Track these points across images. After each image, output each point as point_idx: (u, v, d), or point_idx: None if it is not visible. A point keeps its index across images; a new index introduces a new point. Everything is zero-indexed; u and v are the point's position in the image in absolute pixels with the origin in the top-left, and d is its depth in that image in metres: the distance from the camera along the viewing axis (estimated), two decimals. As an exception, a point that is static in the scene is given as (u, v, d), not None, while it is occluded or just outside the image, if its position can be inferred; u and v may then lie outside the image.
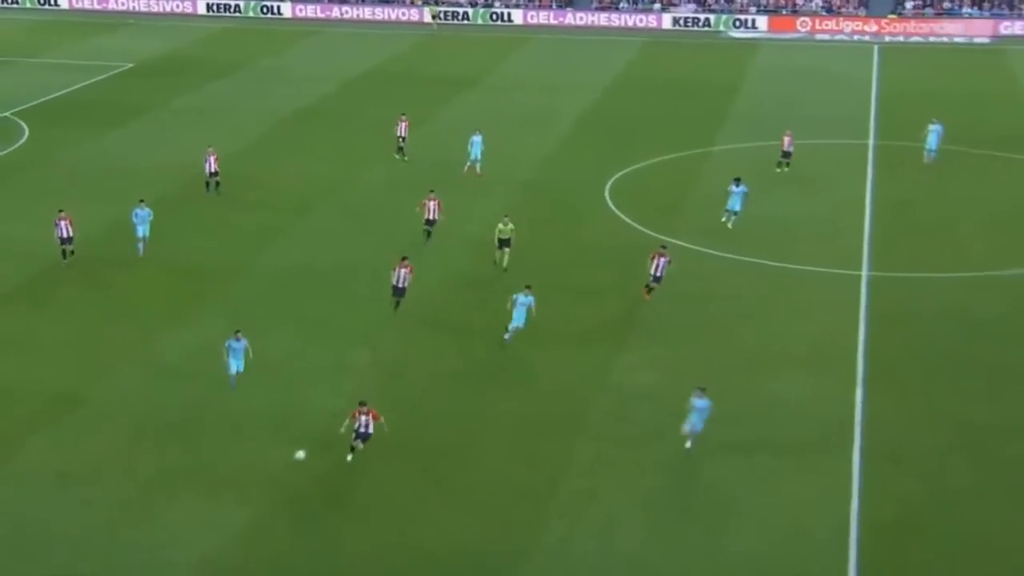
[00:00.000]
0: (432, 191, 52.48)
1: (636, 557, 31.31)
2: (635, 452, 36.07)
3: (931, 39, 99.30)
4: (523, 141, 67.74)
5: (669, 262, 46.07)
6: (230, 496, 33.94)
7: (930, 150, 63.72)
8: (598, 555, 31.51)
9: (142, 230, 50.27)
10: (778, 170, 61.65)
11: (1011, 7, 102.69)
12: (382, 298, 45.01)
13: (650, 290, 46.12)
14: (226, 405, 38.62)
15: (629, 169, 63.59)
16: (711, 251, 51.61)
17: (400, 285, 44.60)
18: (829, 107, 77.15)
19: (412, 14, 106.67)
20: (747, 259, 50.68)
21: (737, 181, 53.84)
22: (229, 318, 44.78)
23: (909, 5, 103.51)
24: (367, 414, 34.68)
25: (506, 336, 42.47)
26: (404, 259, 44.97)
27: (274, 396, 39.10)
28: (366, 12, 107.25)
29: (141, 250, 50.24)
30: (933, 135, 63.94)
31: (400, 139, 65.01)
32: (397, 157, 64.79)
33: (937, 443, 37.16)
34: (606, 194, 59.62)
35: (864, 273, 49.83)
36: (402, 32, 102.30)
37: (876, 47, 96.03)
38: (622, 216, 56.56)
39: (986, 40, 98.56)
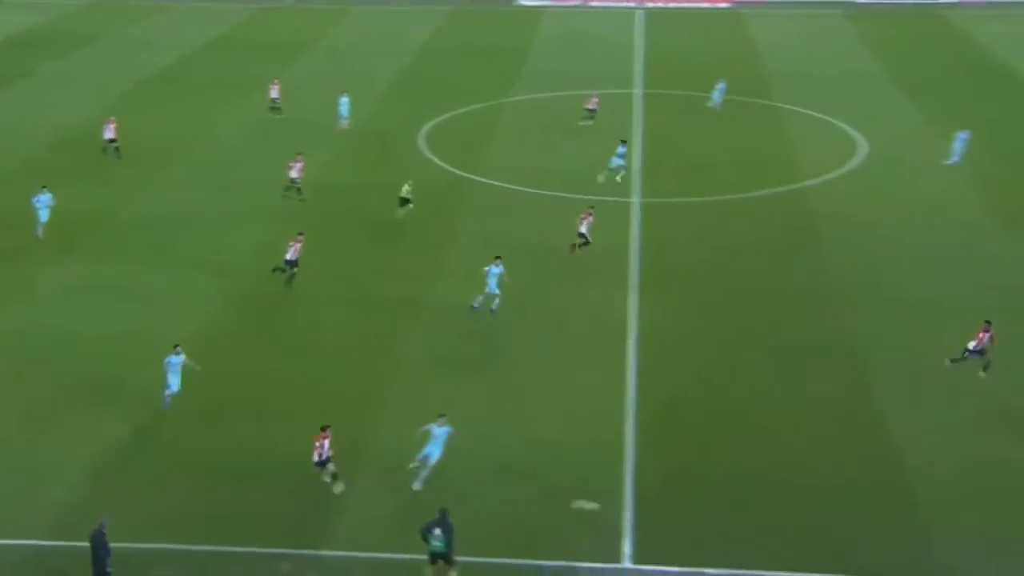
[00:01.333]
0: (300, 153, 51.23)
1: (457, 445, 31.60)
2: (451, 355, 36.36)
3: (684, 5, 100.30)
4: (351, 96, 66.98)
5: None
6: (112, 412, 33.35)
7: (715, 100, 65.28)
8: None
9: (44, 215, 45.89)
10: (583, 123, 61.78)
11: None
12: (243, 241, 44.02)
13: (575, 247, 44.10)
14: (102, 331, 37.86)
15: (439, 119, 63.35)
16: (510, 186, 51.85)
17: (292, 258, 41.55)
18: (603, 63, 77.52)
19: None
20: (539, 191, 51.05)
21: (623, 143, 53.51)
22: (105, 258, 43.95)
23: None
24: (328, 438, 29.52)
25: (475, 305, 39.52)
26: (300, 235, 41.98)
27: (144, 319, 38.44)
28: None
29: (40, 232, 45.78)
30: (718, 91, 65.35)
31: (273, 100, 63.68)
32: (278, 116, 63.17)
33: (699, 336, 38.20)
34: (420, 141, 59.38)
35: (635, 200, 50.59)
36: (246, 6, 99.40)
37: (641, 12, 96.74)
38: (434, 159, 56.44)
39: (727, 6, 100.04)
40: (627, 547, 27.81)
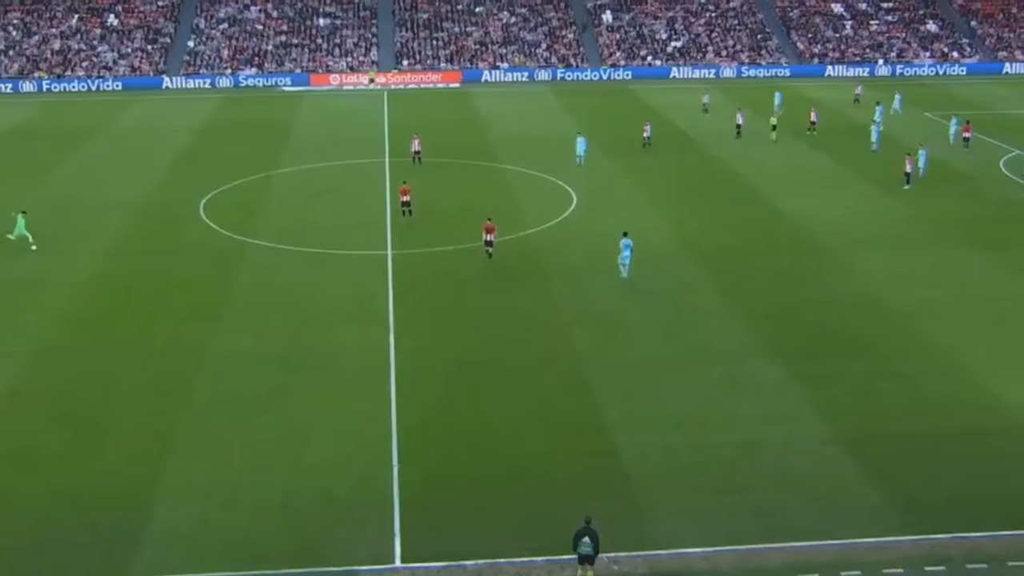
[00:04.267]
0: None
1: (240, 476, 30.64)
2: (239, 399, 35.22)
3: (421, 86, 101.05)
4: (138, 173, 64.53)
5: None
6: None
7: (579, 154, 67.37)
8: (214, 477, 30.63)
9: None
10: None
11: (476, 61, 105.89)
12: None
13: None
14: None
15: (217, 191, 61.58)
16: (283, 246, 50.76)
17: None
18: (357, 135, 77.16)
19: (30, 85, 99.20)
20: (310, 250, 50.23)
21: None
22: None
23: (405, 63, 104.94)
24: None
25: None
26: None
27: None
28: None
29: None
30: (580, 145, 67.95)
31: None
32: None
33: (446, 366, 37.97)
34: (200, 211, 57.56)
35: (389, 252, 50.27)
36: (30, 99, 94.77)
37: (386, 92, 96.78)
38: (213, 225, 54.76)
39: (457, 85, 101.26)
40: (397, 547, 27.40)
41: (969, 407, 34.69)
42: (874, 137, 70.97)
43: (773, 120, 75.64)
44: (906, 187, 60.91)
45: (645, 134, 72.22)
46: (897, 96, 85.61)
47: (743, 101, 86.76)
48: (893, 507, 28.91)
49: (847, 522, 28.33)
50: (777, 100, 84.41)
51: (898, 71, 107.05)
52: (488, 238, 47.74)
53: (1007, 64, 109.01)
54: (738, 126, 75.82)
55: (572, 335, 40.35)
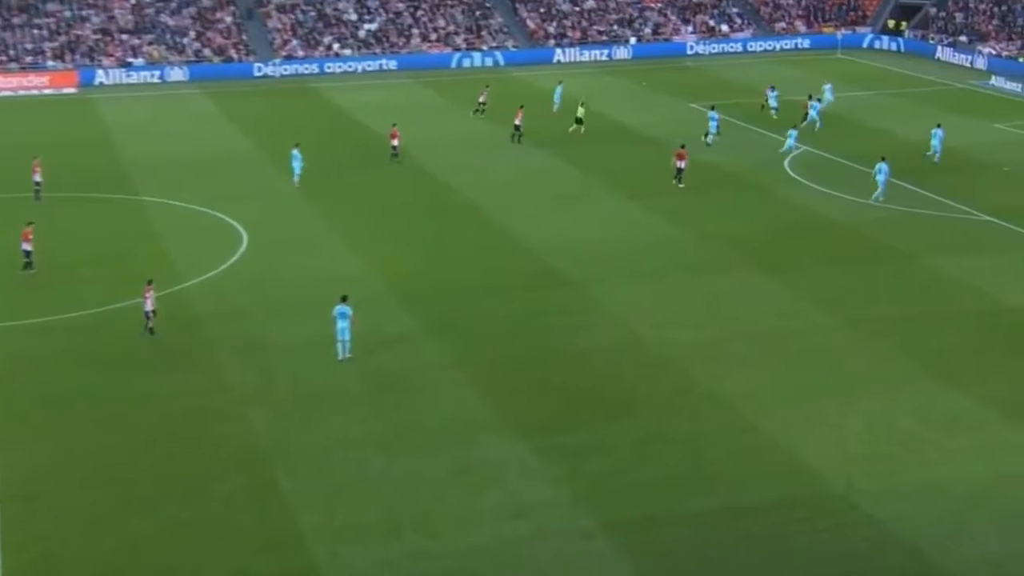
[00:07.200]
0: None
1: None
2: None
3: (20, 92, 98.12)
4: None
5: None
6: None
7: None
8: None
9: None
10: None
11: (98, 57, 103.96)
12: None
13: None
14: None
15: None
16: None
17: None
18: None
19: None
20: None
21: None
22: None
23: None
24: None
25: None
26: None
27: None
28: None
29: None
30: None
31: None
32: None
33: (73, 474, 36.81)
34: None
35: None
36: None
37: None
38: None
39: (73, 90, 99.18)
40: None
41: (766, 473, 36.79)
42: (711, 134, 76.67)
43: (580, 111, 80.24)
44: (677, 184, 66.68)
45: (395, 142, 73.34)
46: (827, 86, 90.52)
47: (521, 96, 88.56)
48: (678, 610, 30.34)
49: (621, 635, 29.50)
50: (557, 94, 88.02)
51: (656, 51, 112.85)
52: (148, 308, 46.49)
53: (787, 38, 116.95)
54: (516, 127, 78.29)
55: (250, 419, 40.22)
